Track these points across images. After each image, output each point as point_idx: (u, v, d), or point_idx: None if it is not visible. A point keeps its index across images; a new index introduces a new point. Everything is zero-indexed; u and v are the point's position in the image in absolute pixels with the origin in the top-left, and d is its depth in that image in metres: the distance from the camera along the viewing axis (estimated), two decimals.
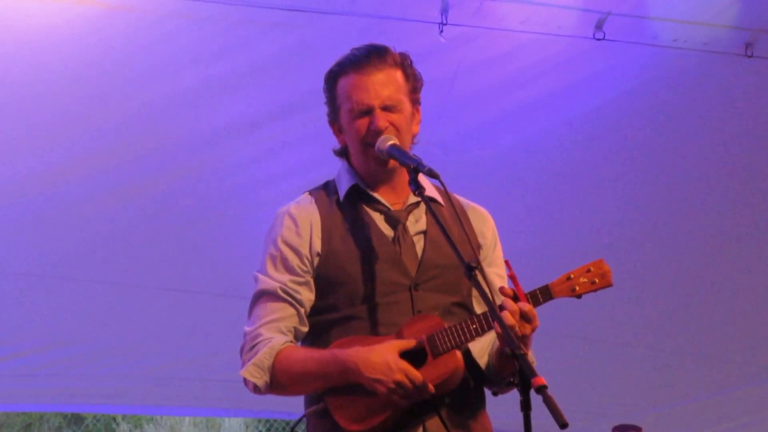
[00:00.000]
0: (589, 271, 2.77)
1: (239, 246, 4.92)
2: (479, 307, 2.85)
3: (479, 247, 2.90)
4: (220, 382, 5.76)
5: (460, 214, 2.85)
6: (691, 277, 5.66)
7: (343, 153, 2.93)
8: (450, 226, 2.76)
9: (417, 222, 2.86)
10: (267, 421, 11.65)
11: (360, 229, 2.81)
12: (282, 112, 4.70)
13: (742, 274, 5.64)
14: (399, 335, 2.70)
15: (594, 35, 4.52)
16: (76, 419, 12.16)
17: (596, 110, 4.88)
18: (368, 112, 2.79)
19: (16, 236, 5.08)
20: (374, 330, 2.74)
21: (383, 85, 2.80)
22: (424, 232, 2.84)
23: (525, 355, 2.39)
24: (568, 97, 4.82)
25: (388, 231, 2.82)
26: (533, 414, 2.40)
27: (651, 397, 6.33)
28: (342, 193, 2.86)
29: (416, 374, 2.61)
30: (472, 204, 2.99)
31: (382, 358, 2.62)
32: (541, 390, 2.27)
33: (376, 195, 2.86)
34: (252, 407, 6.60)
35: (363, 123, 2.80)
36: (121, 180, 4.87)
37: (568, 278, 2.75)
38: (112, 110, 4.62)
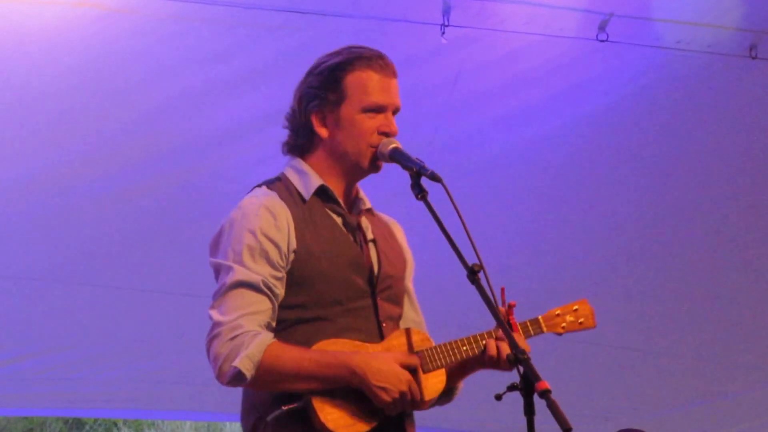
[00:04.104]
0: (575, 309, 2.93)
1: None
2: (402, 322, 2.87)
3: (406, 261, 2.94)
4: (222, 386, 5.72)
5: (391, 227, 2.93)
6: (697, 279, 5.63)
7: (301, 149, 2.85)
8: (389, 239, 2.85)
9: (367, 230, 2.86)
10: None
11: (328, 231, 2.78)
12: (284, 113, 4.68)
13: (749, 277, 5.62)
14: (389, 344, 2.72)
15: (597, 37, 4.51)
16: (77, 424, 12.15)
17: (599, 112, 4.87)
18: (381, 111, 2.78)
19: (16, 240, 5.06)
20: (341, 333, 2.71)
21: (397, 90, 2.82)
22: (374, 241, 2.85)
23: (529, 359, 2.39)
24: (571, 98, 4.81)
25: (351, 236, 2.81)
26: (537, 418, 2.39)
27: (656, 401, 6.30)
28: (309, 192, 2.80)
29: (418, 389, 2.64)
30: (392, 219, 3.00)
31: (389, 367, 2.63)
32: (545, 394, 2.27)
33: (339, 199, 2.84)
34: None
35: (374, 122, 2.77)
36: (121, 183, 4.86)
37: (557, 315, 2.91)
38: (112, 113, 4.60)
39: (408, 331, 2.75)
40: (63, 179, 4.79)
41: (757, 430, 6.52)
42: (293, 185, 2.82)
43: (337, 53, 2.82)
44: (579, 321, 2.92)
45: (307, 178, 2.81)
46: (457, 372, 2.83)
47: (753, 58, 4.64)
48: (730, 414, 6.44)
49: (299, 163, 2.84)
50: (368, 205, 2.88)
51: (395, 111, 2.81)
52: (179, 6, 4.24)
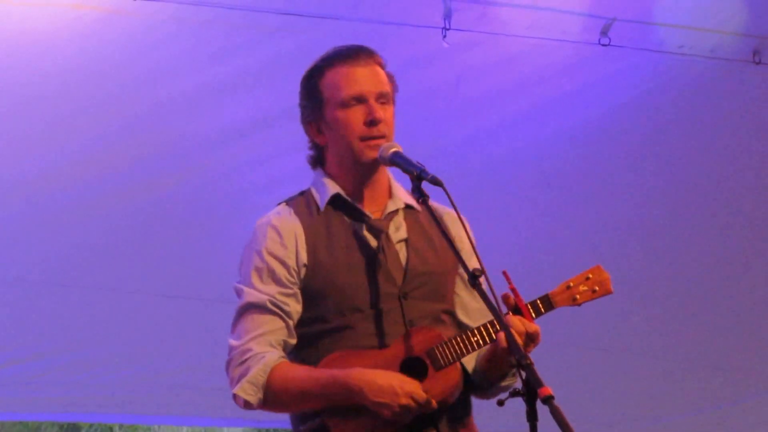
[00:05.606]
0: (588, 278, 2.79)
1: (237, 251, 4.85)
2: (462, 313, 2.85)
3: (460, 251, 2.85)
4: (219, 390, 5.65)
5: (446, 221, 2.82)
6: (699, 285, 5.62)
7: (318, 161, 2.88)
8: (431, 234, 2.79)
9: (398, 230, 2.83)
10: (267, 430, 11.61)
11: (344, 240, 2.78)
12: (281, 116, 4.66)
13: (751, 283, 5.61)
14: (395, 348, 2.69)
15: (599, 41, 4.51)
16: (73, 428, 12.13)
17: (601, 116, 4.86)
18: (362, 101, 2.76)
19: (12, 242, 5.04)
20: (365, 340, 2.72)
21: (374, 77, 2.79)
22: (406, 240, 2.82)
23: (531, 364, 2.36)
24: (573, 103, 4.80)
25: (371, 240, 2.79)
26: (540, 424, 2.38)
27: (658, 408, 6.29)
28: (323, 202, 2.82)
29: (422, 395, 2.62)
30: (447, 209, 2.92)
31: (387, 381, 2.61)
32: (548, 400, 2.25)
33: (357, 205, 2.82)
34: (252, 416, 6.55)
35: (357, 114, 2.76)
36: (117, 184, 4.85)
37: (568, 287, 2.77)
38: (108, 114, 4.59)
39: (411, 332, 2.71)
40: (60, 181, 4.78)
41: None
42: (313, 198, 2.84)
43: (314, 61, 2.84)
44: (593, 289, 2.77)
45: (324, 188, 2.83)
46: (487, 363, 2.76)
47: (757, 64, 4.64)
48: (733, 421, 6.41)
49: (319, 174, 2.87)
50: (401, 204, 2.83)
51: (379, 97, 2.77)
52: (177, 8, 4.23)
